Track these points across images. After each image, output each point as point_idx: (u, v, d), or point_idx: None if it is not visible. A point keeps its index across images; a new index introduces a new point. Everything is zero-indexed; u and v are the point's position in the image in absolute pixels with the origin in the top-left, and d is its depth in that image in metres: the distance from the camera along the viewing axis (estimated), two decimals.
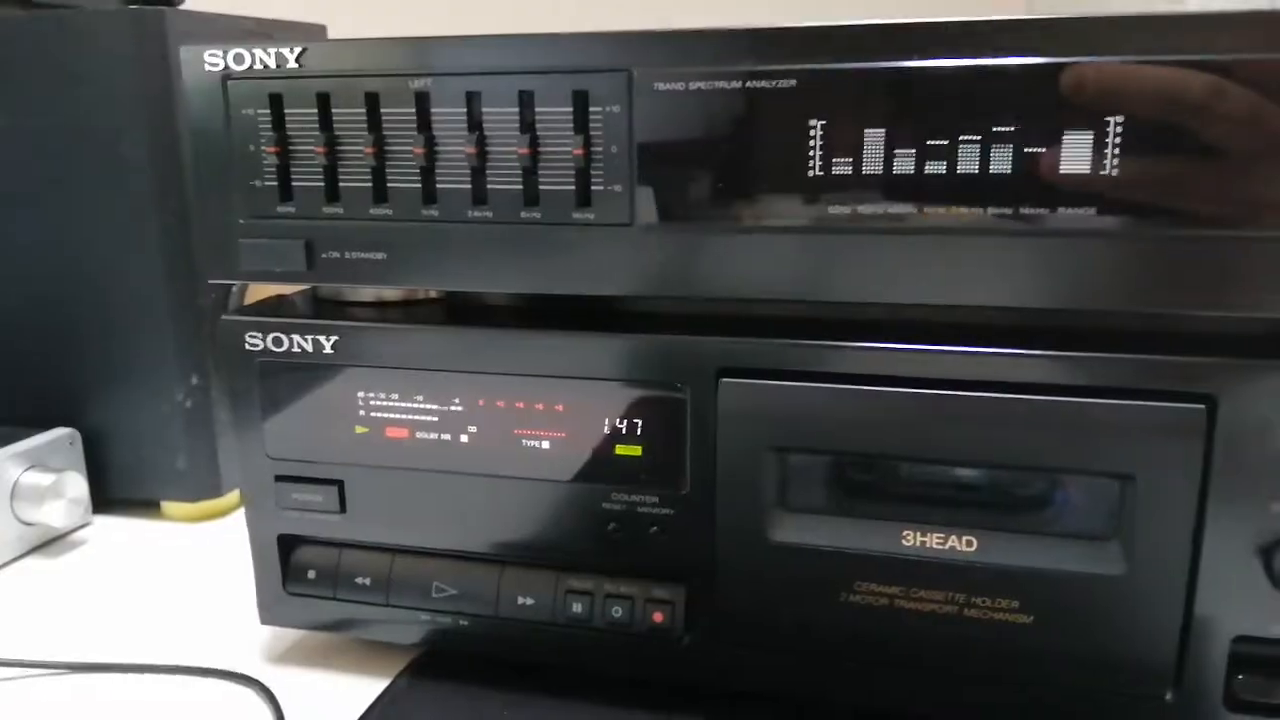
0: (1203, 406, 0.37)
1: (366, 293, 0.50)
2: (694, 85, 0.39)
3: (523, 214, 0.42)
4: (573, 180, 0.41)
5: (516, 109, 0.41)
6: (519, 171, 0.41)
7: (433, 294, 0.50)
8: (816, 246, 0.39)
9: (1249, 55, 0.34)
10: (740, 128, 0.39)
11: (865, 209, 0.38)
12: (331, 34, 0.81)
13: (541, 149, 0.41)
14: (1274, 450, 0.36)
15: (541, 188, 0.42)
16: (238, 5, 0.73)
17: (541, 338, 0.44)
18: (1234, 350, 0.37)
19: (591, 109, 0.40)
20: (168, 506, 0.73)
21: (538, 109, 0.41)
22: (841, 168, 0.38)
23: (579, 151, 0.40)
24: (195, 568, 0.65)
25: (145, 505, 0.73)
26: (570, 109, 0.40)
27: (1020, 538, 0.40)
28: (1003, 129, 0.36)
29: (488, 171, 0.42)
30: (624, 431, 0.44)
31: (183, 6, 0.70)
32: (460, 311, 0.49)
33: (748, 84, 0.38)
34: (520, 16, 1.23)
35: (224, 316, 0.48)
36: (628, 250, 0.41)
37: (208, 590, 0.61)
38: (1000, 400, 0.38)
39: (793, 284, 0.40)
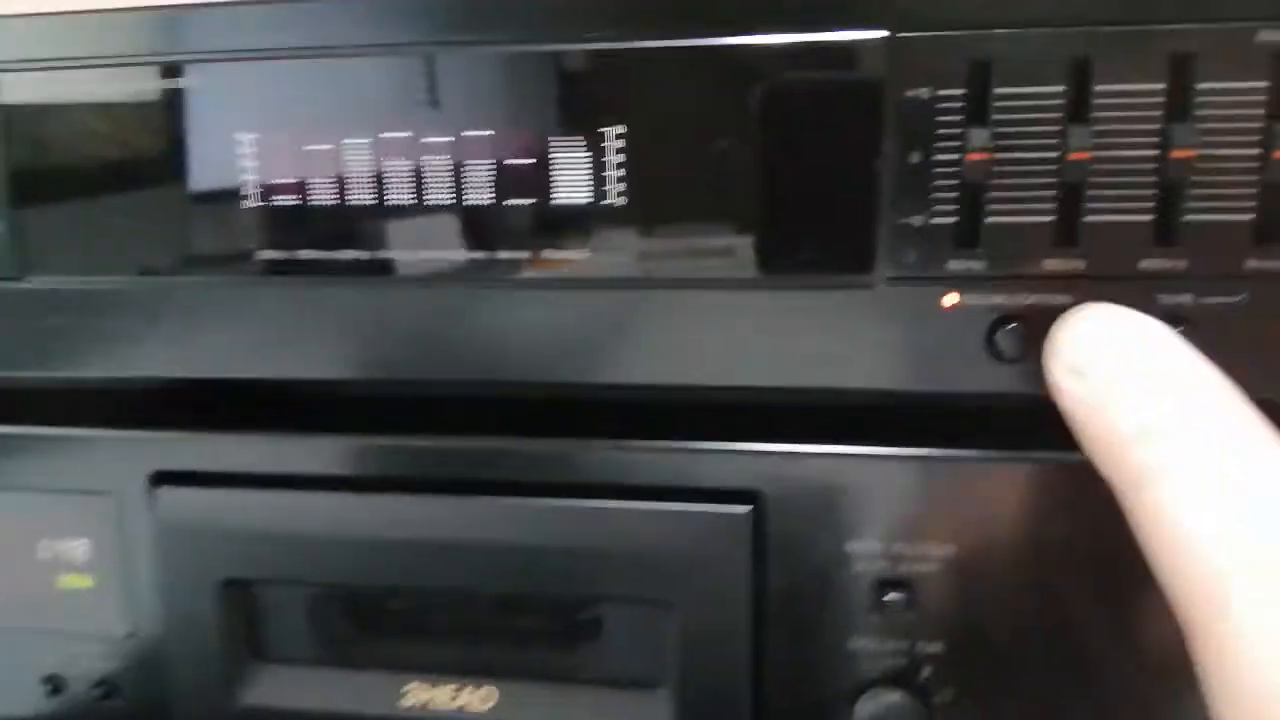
0: (747, 508, 0.29)
1: None
2: (78, 95, 0.30)
3: None
4: None
5: None
6: None
7: None
8: (247, 302, 0.29)
9: None
10: (148, 148, 0.30)
11: (309, 254, 0.30)
12: None
13: None
14: (839, 562, 0.29)
15: None
16: None
17: None
18: (778, 434, 0.29)
19: None
20: None
21: None
22: (281, 197, 0.29)
23: None
24: None
25: None
26: None
27: (549, 688, 0.31)
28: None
29: None
30: (63, 558, 0.34)
31: None
32: None
33: (144, 89, 0.29)
34: None
35: None
36: (18, 314, 0.31)
37: None
38: (503, 504, 0.30)
39: (218, 357, 0.30)
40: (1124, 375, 0.22)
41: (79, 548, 0.33)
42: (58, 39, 0.29)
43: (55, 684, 0.34)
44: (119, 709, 0.33)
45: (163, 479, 0.31)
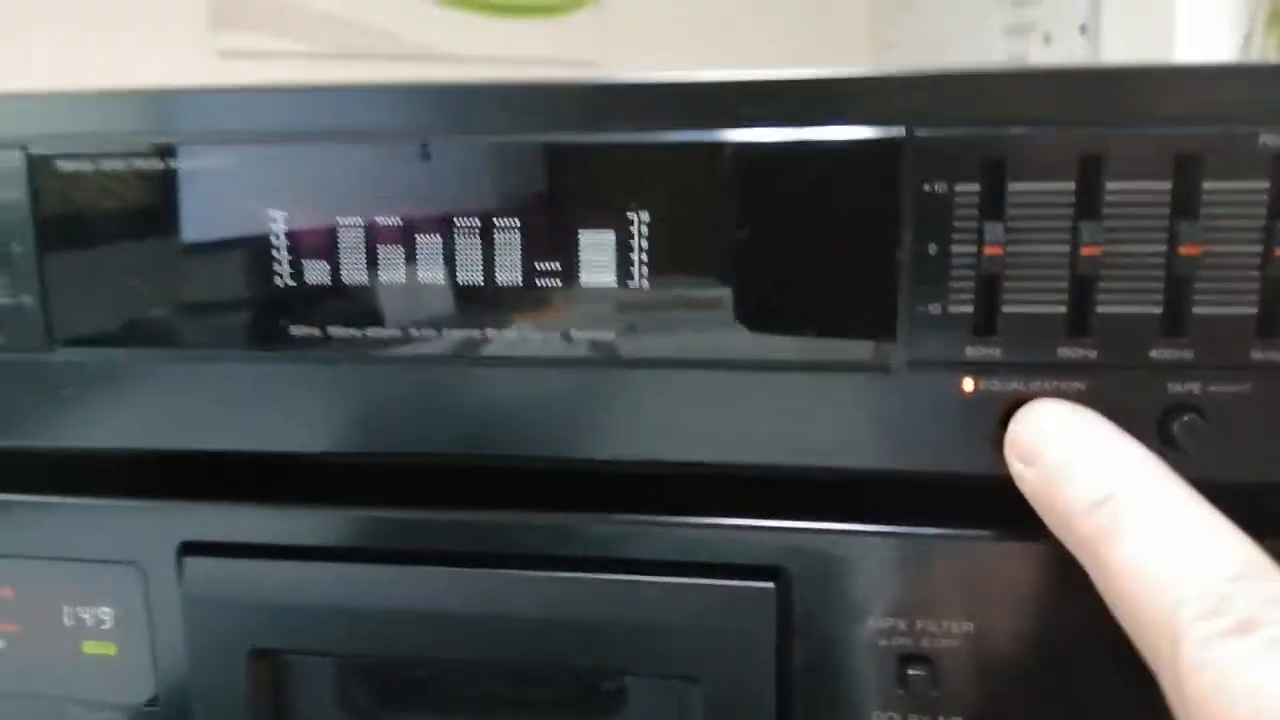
0: (770, 585, 0.31)
1: None
2: (108, 166, 0.33)
3: None
4: None
5: None
6: None
7: None
8: (279, 381, 0.32)
9: None
10: (171, 221, 0.32)
11: (342, 331, 0.32)
12: None
13: None
14: (863, 637, 0.31)
15: None
16: None
17: None
18: (803, 510, 0.31)
19: None
20: None
21: None
22: (316, 274, 0.32)
23: None
24: None
25: None
26: None
27: None
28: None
29: None
30: (89, 624, 0.36)
31: None
32: None
33: (168, 164, 0.32)
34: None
35: None
36: (47, 385, 0.34)
37: None
38: (527, 577, 0.32)
39: (256, 432, 0.33)
40: (1071, 458, 0.26)
41: (103, 615, 0.36)
42: (90, 115, 0.32)
43: None
44: None
45: (190, 549, 0.34)
